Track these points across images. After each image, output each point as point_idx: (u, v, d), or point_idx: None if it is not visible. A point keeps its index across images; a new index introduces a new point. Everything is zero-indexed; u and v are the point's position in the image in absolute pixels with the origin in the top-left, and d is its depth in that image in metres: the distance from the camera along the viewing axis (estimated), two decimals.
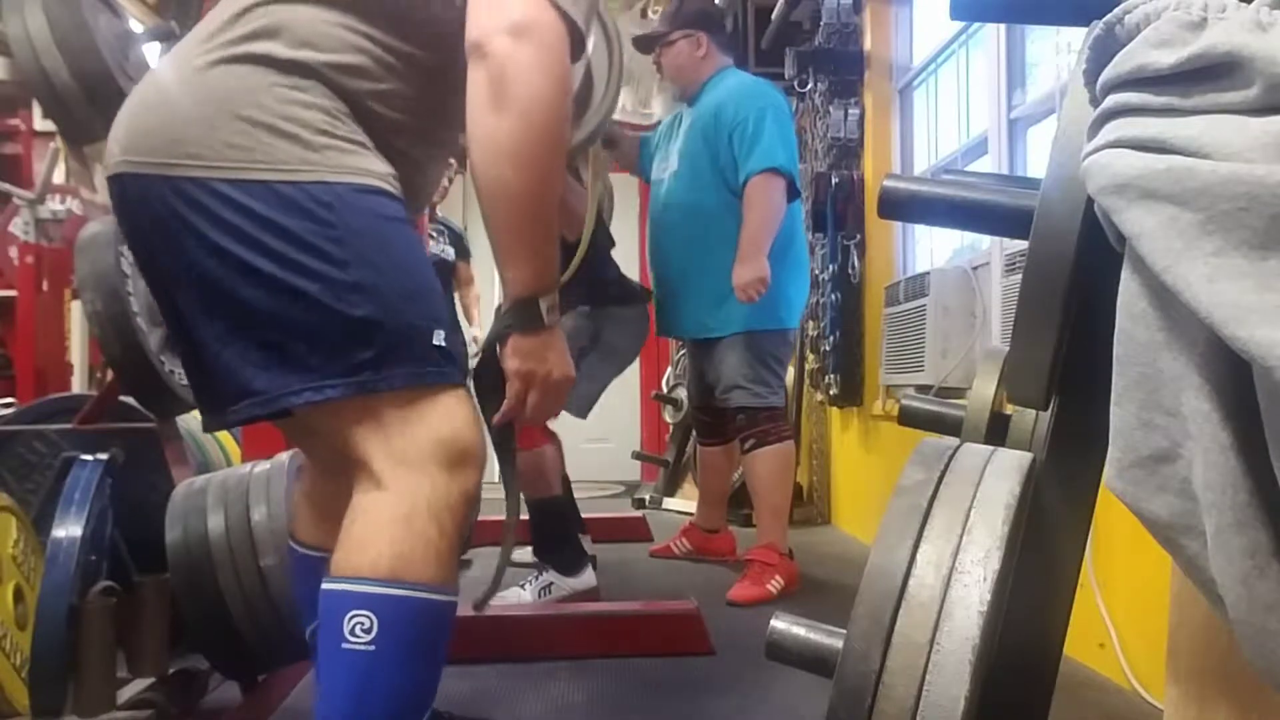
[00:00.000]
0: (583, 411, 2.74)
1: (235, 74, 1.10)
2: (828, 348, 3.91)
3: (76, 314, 4.05)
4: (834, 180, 3.86)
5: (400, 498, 1.08)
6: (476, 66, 1.07)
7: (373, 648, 1.04)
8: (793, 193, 2.82)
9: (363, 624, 1.04)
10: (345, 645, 1.04)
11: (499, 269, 1.14)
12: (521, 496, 1.35)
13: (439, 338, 1.12)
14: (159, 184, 1.08)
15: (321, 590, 1.09)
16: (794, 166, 2.84)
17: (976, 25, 3.06)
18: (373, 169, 1.12)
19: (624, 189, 3.29)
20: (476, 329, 4.47)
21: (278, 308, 1.07)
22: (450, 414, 1.12)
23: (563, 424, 2.65)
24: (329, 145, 1.09)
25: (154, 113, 1.12)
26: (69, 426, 2.01)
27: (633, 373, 5.94)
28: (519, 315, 1.14)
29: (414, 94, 1.18)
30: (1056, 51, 2.47)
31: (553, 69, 1.06)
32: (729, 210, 2.82)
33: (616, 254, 2.94)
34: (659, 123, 3.37)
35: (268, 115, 1.07)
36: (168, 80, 1.14)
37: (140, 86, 1.18)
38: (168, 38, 2.45)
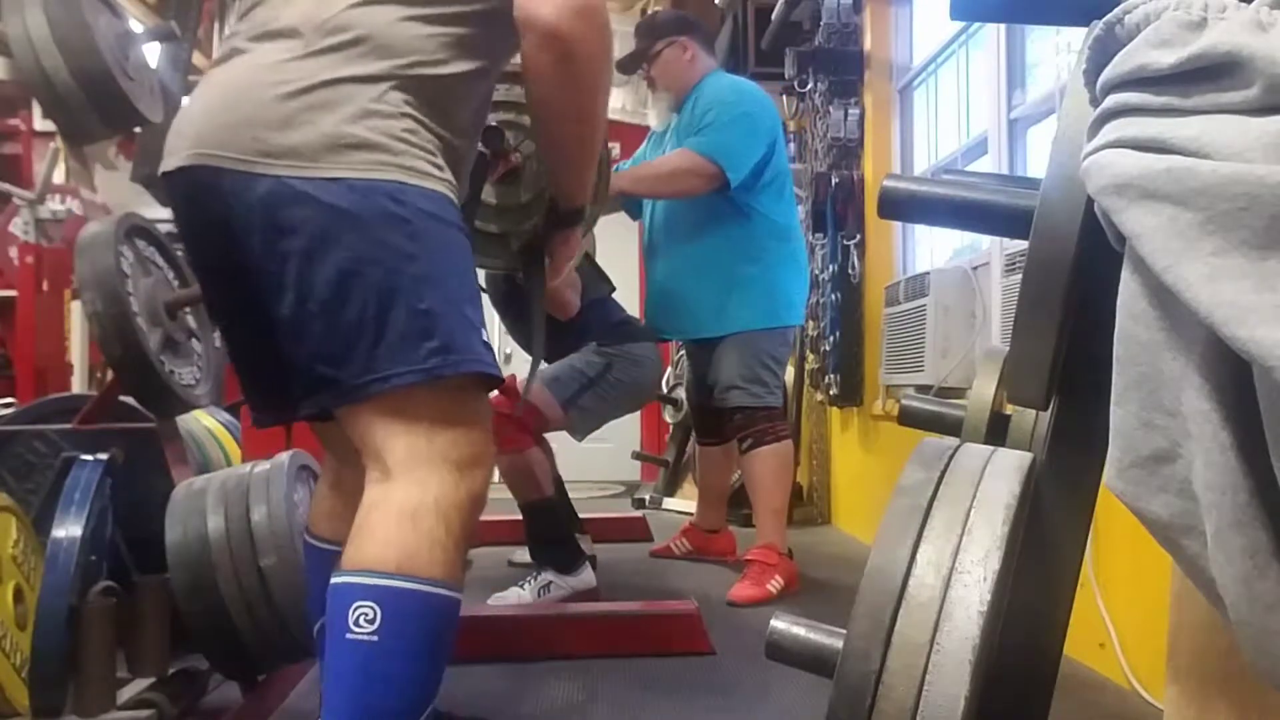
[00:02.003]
0: (579, 434, 2.78)
1: (321, 86, 1.14)
2: (828, 348, 3.91)
3: (76, 314, 4.05)
4: (834, 180, 3.86)
5: (408, 494, 1.12)
6: (546, 45, 1.18)
7: (376, 638, 1.06)
8: (721, 188, 2.75)
9: (366, 614, 1.07)
10: (349, 635, 1.07)
11: (557, 186, 1.45)
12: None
13: (484, 335, 1.21)
14: (237, 179, 1.13)
15: (331, 583, 1.11)
16: (737, 168, 2.74)
17: (976, 25, 3.06)
18: (441, 176, 1.19)
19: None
20: None
21: (351, 298, 1.12)
22: (476, 417, 1.19)
23: None
24: (406, 151, 1.15)
25: (233, 112, 1.16)
26: (69, 426, 2.01)
27: None
28: (571, 217, 1.49)
29: (474, 67, 1.25)
30: (1056, 51, 2.47)
31: (607, 42, 1.23)
32: (722, 211, 2.83)
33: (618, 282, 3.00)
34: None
35: (350, 124, 1.13)
36: (247, 82, 1.17)
37: (212, 86, 1.22)
38: (168, 38, 2.45)
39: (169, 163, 1.23)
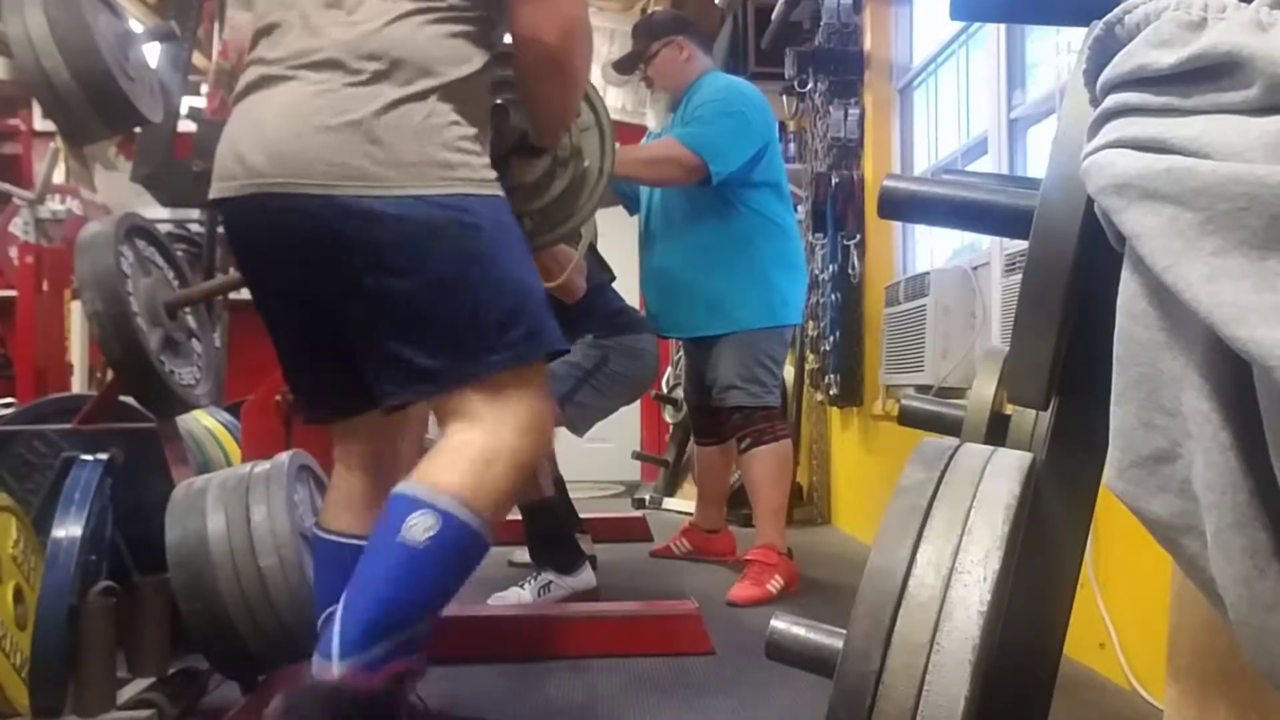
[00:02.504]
0: (579, 430, 2.77)
1: (380, 113, 1.26)
2: (828, 348, 3.91)
3: (76, 314, 4.05)
4: (834, 180, 3.86)
5: (489, 443, 1.28)
6: (546, 59, 1.39)
7: (421, 547, 1.21)
8: (703, 181, 2.75)
9: (426, 524, 1.21)
10: (399, 538, 1.21)
11: (537, 133, 1.61)
12: None
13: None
14: (320, 202, 1.24)
15: (394, 493, 1.25)
16: (720, 162, 2.73)
17: (976, 25, 3.06)
18: (494, 179, 1.34)
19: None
20: None
21: (447, 302, 1.28)
22: (543, 387, 1.38)
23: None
24: (463, 163, 1.30)
25: (300, 141, 1.25)
26: (69, 426, 2.00)
27: None
28: (538, 151, 1.68)
29: (486, 59, 1.39)
30: (1056, 51, 2.47)
31: (591, 49, 1.46)
32: (719, 209, 2.83)
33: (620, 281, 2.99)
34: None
35: (413, 143, 1.26)
36: (305, 110, 1.27)
37: (261, 112, 1.30)
38: (168, 38, 2.45)
39: (224, 189, 1.32)
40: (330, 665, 1.21)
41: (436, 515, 1.21)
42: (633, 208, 3.14)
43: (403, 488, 1.25)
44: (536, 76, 1.44)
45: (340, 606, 1.23)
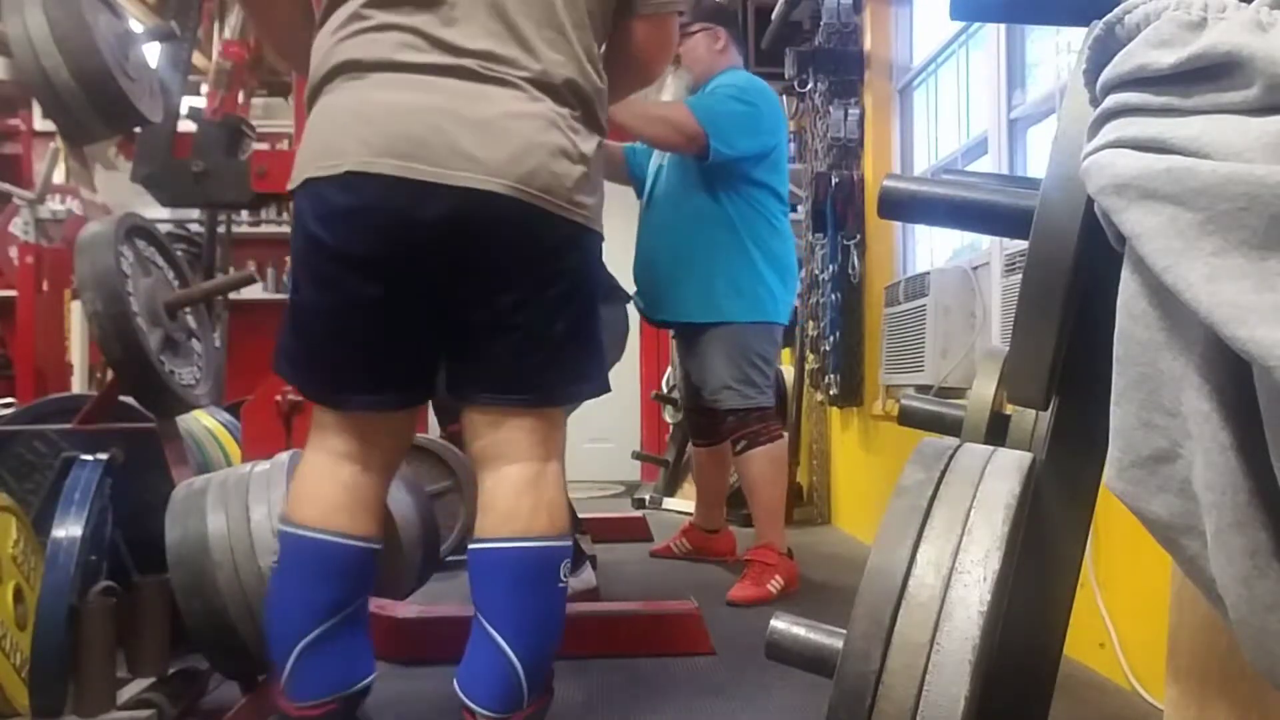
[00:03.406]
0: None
1: (591, 158, 1.41)
2: (828, 348, 3.91)
3: (76, 314, 4.05)
4: (834, 180, 3.86)
5: (560, 476, 1.46)
6: (645, 74, 1.61)
7: (567, 583, 1.42)
8: (699, 156, 2.77)
9: (567, 567, 1.41)
10: (560, 584, 1.40)
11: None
12: None
13: None
14: (544, 217, 1.34)
15: (534, 547, 1.38)
16: (723, 142, 2.75)
17: (976, 25, 3.06)
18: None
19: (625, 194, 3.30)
20: None
21: (586, 326, 1.44)
22: None
23: None
24: (601, 199, 1.44)
25: (528, 158, 1.31)
26: (69, 426, 2.00)
27: (633, 372, 5.97)
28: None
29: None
30: (1056, 51, 2.47)
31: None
32: (719, 199, 2.84)
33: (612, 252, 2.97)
34: None
35: (597, 189, 1.42)
36: (545, 133, 1.34)
37: (487, 109, 1.31)
38: (168, 38, 2.46)
39: (407, 170, 1.27)
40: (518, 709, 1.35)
41: (570, 558, 1.41)
42: (640, 191, 3.15)
43: (540, 542, 1.38)
44: (624, 82, 1.57)
45: (506, 655, 1.33)
